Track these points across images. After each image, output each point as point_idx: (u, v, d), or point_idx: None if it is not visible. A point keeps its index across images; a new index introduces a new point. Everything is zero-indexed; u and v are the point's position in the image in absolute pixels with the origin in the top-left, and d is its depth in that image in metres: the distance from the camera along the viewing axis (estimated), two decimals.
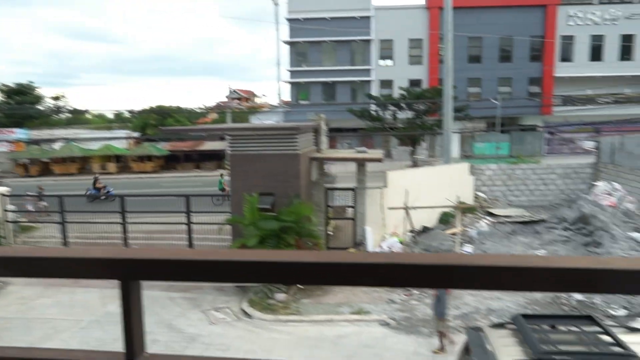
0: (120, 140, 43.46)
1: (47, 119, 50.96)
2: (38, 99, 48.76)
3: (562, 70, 39.91)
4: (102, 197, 24.09)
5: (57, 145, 41.64)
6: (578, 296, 11.01)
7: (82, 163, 40.57)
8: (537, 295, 11.48)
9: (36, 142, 42.26)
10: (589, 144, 26.42)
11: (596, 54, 39.71)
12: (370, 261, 0.78)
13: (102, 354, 0.92)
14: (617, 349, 4.97)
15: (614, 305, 10.57)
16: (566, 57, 40.11)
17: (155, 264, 0.85)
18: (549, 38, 39.43)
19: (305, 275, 0.82)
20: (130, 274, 0.87)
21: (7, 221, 17.03)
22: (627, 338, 5.24)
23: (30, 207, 19.61)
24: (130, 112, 51.35)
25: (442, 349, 9.31)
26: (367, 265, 0.78)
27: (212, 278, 0.85)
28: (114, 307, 11.90)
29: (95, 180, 26.57)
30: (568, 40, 39.73)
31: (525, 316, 5.90)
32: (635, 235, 14.18)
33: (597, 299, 10.83)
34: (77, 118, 59.74)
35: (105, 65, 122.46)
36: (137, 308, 0.90)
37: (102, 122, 62.59)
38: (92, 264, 0.87)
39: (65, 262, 0.87)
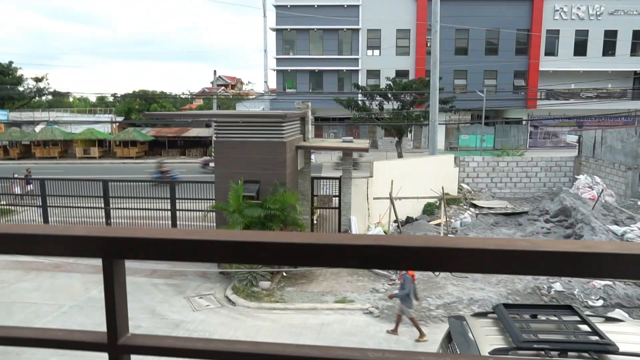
0: (104, 125, 42.80)
1: (28, 100, 49.92)
2: (19, 79, 47.67)
3: (546, 64, 40.30)
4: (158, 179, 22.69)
5: (38, 128, 40.85)
6: (558, 287, 11.22)
7: (64, 147, 39.90)
8: (518, 286, 11.68)
9: (17, 124, 41.41)
10: (571, 138, 26.82)
11: (580, 48, 40.16)
12: (358, 243, 0.77)
13: (84, 334, 0.89)
14: (595, 338, 5.08)
15: (592, 296, 10.80)
16: (551, 51, 40.49)
17: (140, 243, 0.83)
18: (535, 32, 39.73)
19: (291, 256, 0.80)
20: (114, 252, 0.84)
21: None
22: (604, 327, 5.36)
23: (17, 190, 19.25)
24: (113, 96, 50.53)
25: (422, 336, 9.46)
26: (354, 247, 0.77)
27: (198, 258, 0.83)
28: (96, 292, 11.80)
29: (160, 164, 26.72)
30: (553, 35, 40.08)
31: (507, 306, 6.00)
32: (614, 227, 14.47)
33: (576, 289, 11.06)
34: (59, 101, 58.62)
35: (86, 47, 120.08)
36: (120, 288, 0.87)
37: (84, 105, 61.51)
38: (75, 242, 0.84)
39: (46, 239, 0.84)
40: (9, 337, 0.91)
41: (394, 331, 9.74)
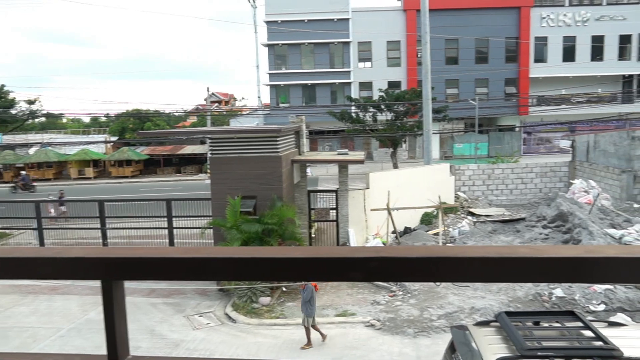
0: (98, 145, 42.73)
1: (21, 123, 49.81)
2: (11, 102, 47.60)
3: (536, 70, 40.68)
4: None
5: (32, 150, 40.74)
6: (559, 293, 11.18)
7: (58, 168, 39.78)
8: (519, 293, 11.63)
9: (10, 147, 41.27)
10: (564, 143, 26.96)
11: (569, 54, 40.59)
12: (359, 255, 0.76)
13: (84, 358, 0.87)
14: (598, 343, 5.05)
15: (593, 301, 10.77)
16: (540, 58, 40.91)
17: (138, 263, 0.81)
18: (524, 39, 40.17)
19: (293, 271, 0.79)
20: (112, 273, 0.82)
21: None
22: (607, 332, 5.33)
23: (52, 212, 19.36)
24: (106, 116, 50.48)
25: (308, 344, 9.74)
26: (355, 260, 0.75)
27: (198, 276, 0.81)
28: (94, 314, 11.66)
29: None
30: (542, 42, 40.53)
31: (509, 313, 5.96)
32: (612, 231, 14.48)
33: (577, 295, 11.02)
34: (53, 122, 58.55)
35: (77, 68, 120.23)
36: (120, 309, 0.85)
37: (78, 126, 61.41)
38: (73, 264, 0.82)
39: (44, 262, 0.82)
40: None
41: (308, 344, 9.79)
